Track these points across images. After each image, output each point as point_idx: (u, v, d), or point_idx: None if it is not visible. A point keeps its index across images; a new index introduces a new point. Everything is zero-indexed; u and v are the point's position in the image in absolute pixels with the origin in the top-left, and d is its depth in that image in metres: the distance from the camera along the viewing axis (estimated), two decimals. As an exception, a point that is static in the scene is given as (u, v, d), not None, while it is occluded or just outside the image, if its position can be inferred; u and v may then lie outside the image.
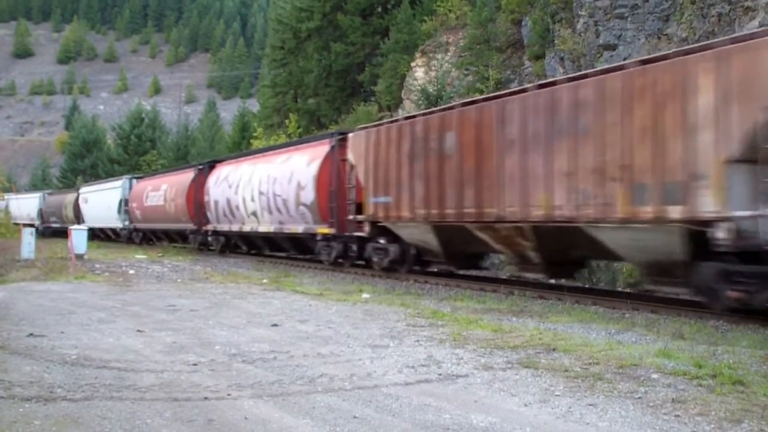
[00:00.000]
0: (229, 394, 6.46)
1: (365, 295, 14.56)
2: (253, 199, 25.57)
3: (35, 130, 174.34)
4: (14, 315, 11.52)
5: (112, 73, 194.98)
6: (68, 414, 5.83)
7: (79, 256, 24.96)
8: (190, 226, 32.56)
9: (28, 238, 25.82)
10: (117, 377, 7.12)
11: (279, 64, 47.30)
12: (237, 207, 27.09)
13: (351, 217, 19.90)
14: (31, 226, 55.41)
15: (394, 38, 38.28)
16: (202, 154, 61.91)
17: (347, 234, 20.50)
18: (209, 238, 31.79)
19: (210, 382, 6.92)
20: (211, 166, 32.15)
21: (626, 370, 7.27)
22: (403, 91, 36.16)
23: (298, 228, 23.11)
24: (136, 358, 8.06)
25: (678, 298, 12.74)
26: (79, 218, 48.52)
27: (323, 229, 21.56)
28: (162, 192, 35.67)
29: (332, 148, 21.40)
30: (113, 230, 44.79)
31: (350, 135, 20.45)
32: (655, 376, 7.02)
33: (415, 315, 11.56)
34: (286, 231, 24.01)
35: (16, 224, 59.71)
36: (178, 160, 59.65)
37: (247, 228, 26.96)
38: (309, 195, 21.84)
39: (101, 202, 45.24)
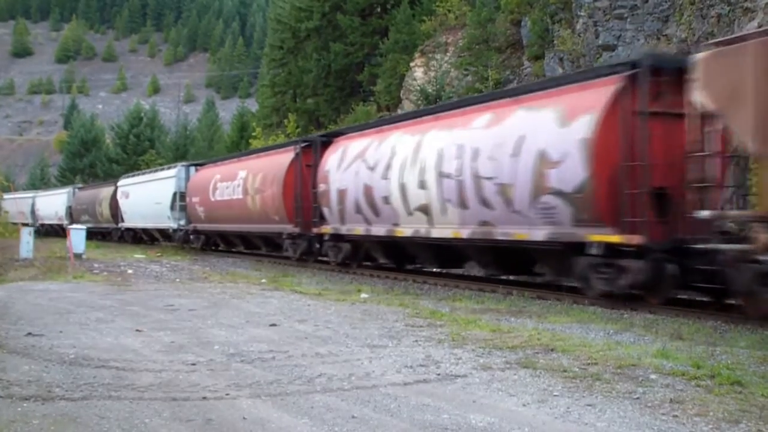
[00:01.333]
0: (227, 394, 6.46)
1: (364, 295, 14.55)
2: (423, 186, 16.73)
3: (34, 129, 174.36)
4: (13, 314, 11.53)
5: (111, 72, 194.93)
6: (66, 413, 5.83)
7: (78, 256, 24.95)
8: (288, 227, 23.56)
9: (26, 237, 25.83)
10: (115, 377, 7.12)
11: (278, 64, 47.34)
12: (386, 199, 18.28)
13: (708, 213, 10.82)
14: (60, 227, 49.71)
15: (394, 38, 38.32)
16: (201, 153, 61.87)
17: (694, 246, 11.34)
18: (322, 246, 22.52)
19: (208, 381, 6.92)
20: (326, 142, 22.51)
21: (624, 370, 7.27)
22: (402, 91, 36.21)
23: (534, 233, 13.96)
24: (135, 358, 8.06)
25: (676, 299, 12.72)
26: (117, 217, 41.46)
27: (605, 236, 12.53)
28: (239, 181, 26.82)
29: (626, 87, 12.45)
30: (163, 231, 36.55)
31: (700, 56, 10.70)
32: (653, 376, 7.02)
33: (414, 315, 11.56)
34: (501, 236, 14.84)
35: (43, 225, 55.03)
36: (177, 160, 59.45)
37: (406, 230, 17.80)
38: (571, 175, 12.87)
39: (148, 196, 36.49)
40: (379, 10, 43.24)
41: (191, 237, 33.29)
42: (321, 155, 22.12)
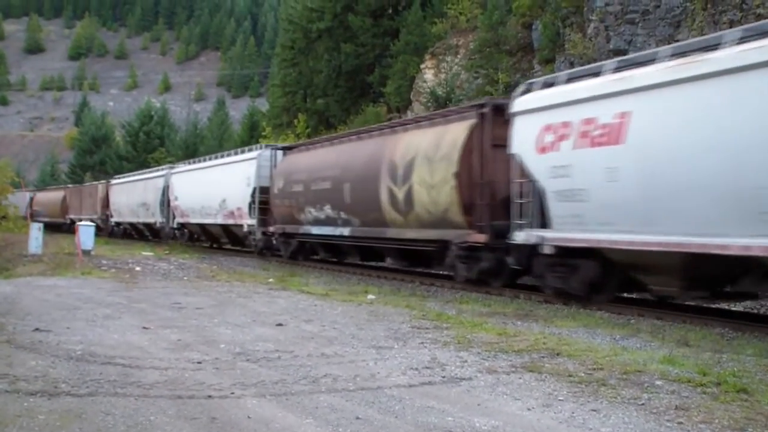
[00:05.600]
0: (232, 393, 6.47)
1: (370, 296, 14.55)
2: None
3: (45, 126, 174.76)
4: (20, 309, 11.57)
5: (123, 69, 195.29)
6: (72, 409, 5.85)
7: (86, 252, 25.00)
8: None
9: (35, 233, 25.90)
10: (121, 373, 7.14)
11: (289, 64, 47.36)
12: None
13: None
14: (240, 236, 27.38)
15: (404, 40, 38.32)
16: (211, 152, 61.74)
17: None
18: None
19: (214, 380, 6.93)
20: None
21: (630, 376, 7.25)
22: (412, 93, 36.21)
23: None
24: (141, 355, 8.08)
25: (683, 305, 12.69)
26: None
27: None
28: None
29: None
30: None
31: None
32: (659, 382, 7.00)
33: (420, 317, 11.55)
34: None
35: (184, 228, 32.88)
36: (187, 158, 58.99)
37: None
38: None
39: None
40: (390, 11, 43.21)
41: None
42: None
